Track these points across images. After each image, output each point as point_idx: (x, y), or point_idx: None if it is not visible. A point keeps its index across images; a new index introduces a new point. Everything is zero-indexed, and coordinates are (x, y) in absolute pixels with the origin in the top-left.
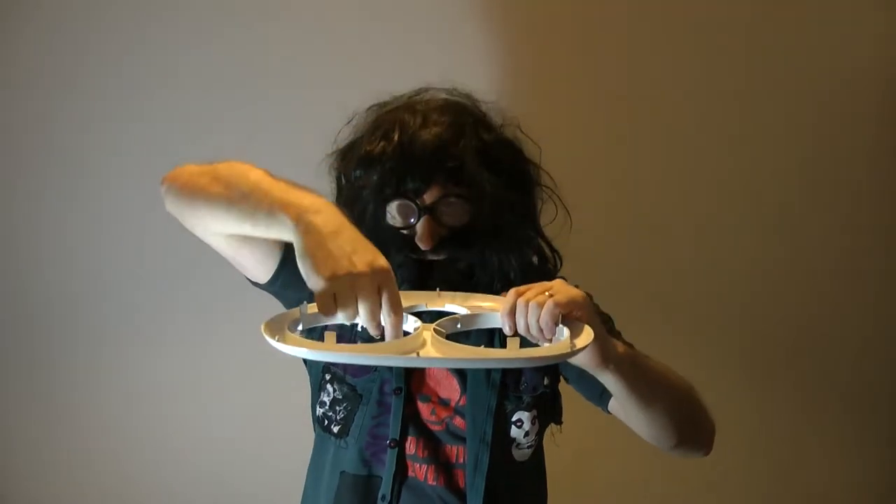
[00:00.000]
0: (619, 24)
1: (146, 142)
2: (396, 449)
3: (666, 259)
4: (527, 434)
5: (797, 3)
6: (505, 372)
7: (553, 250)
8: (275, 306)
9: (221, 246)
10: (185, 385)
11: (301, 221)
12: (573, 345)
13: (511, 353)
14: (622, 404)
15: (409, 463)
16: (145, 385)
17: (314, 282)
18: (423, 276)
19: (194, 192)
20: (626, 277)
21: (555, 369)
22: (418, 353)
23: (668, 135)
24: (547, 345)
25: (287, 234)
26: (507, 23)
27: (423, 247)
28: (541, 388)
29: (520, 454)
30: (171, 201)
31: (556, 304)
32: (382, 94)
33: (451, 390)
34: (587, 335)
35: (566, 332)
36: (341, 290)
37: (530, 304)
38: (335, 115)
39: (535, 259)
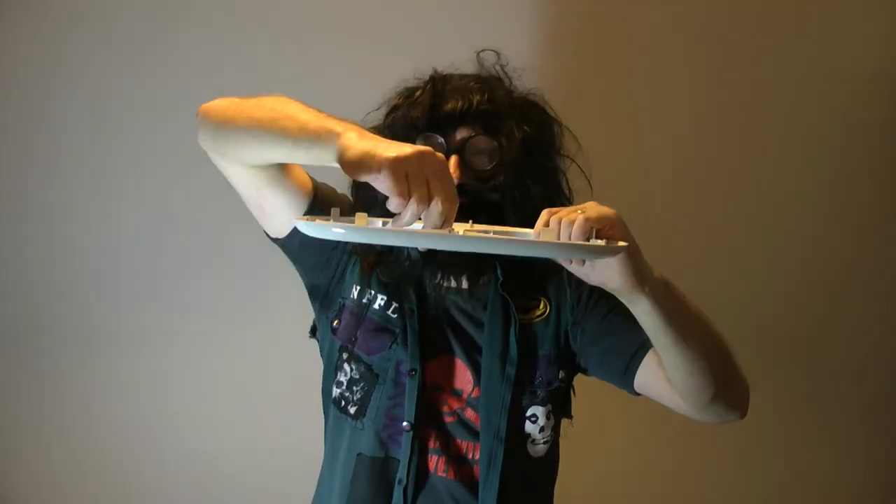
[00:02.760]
0: (630, 24)
1: (148, 142)
2: (412, 433)
3: (669, 258)
4: (542, 429)
5: (807, 5)
6: (520, 366)
7: None
8: (283, 300)
9: (245, 182)
10: (196, 380)
11: (347, 133)
12: (611, 244)
13: (550, 238)
14: (656, 340)
15: (426, 455)
16: (152, 386)
17: (381, 164)
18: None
19: (236, 115)
20: None
21: (572, 361)
22: (452, 230)
23: (677, 134)
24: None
25: (332, 147)
26: (518, 14)
27: None
28: (556, 382)
29: (535, 450)
30: (207, 128)
31: (588, 219)
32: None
33: (464, 381)
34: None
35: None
36: (412, 169)
37: (563, 220)
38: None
39: None
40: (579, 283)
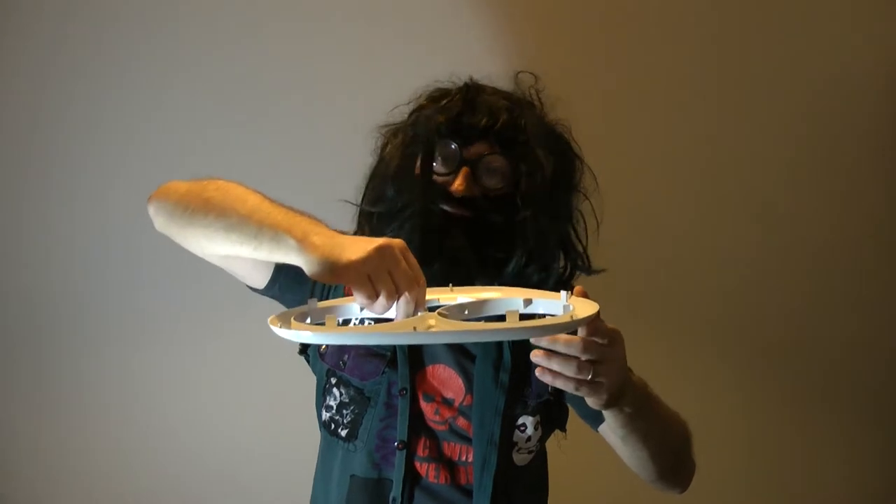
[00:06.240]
0: (620, 29)
1: (151, 143)
2: (405, 451)
3: (655, 260)
4: (529, 439)
5: (801, 4)
6: (513, 374)
7: (583, 249)
8: (279, 308)
9: (214, 259)
10: (190, 387)
11: (306, 240)
12: (573, 316)
13: (511, 325)
14: (617, 435)
15: (417, 464)
16: (150, 386)
17: (343, 271)
18: (445, 230)
19: (188, 216)
20: (614, 279)
21: None
22: (415, 328)
23: (666, 136)
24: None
25: (293, 255)
26: (515, 25)
27: (455, 192)
28: (545, 394)
29: (519, 458)
30: (161, 223)
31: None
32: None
33: (455, 390)
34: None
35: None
36: (374, 268)
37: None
38: (342, 123)
39: (560, 254)
40: None
